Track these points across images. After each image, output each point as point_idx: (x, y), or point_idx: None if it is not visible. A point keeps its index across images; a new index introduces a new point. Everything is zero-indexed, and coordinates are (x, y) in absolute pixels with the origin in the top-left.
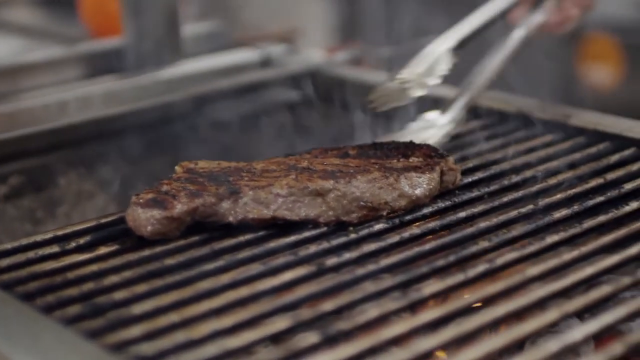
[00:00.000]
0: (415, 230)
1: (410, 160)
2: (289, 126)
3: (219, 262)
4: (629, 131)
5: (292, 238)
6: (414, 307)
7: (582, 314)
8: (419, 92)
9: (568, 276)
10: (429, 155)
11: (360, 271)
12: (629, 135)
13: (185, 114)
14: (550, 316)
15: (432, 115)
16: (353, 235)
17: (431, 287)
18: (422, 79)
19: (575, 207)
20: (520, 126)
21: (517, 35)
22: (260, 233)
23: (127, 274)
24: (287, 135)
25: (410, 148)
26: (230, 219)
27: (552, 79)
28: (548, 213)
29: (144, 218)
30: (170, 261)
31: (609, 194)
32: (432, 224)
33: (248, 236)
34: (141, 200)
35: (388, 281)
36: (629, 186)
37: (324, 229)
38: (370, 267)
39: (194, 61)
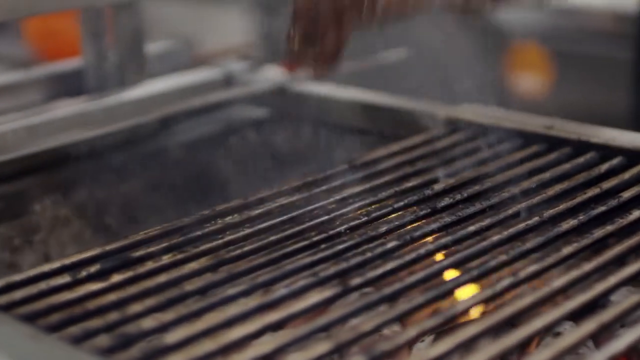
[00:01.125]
0: (430, 246)
1: None
2: (258, 144)
3: (241, 287)
4: (613, 140)
5: (308, 259)
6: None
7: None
8: None
9: (594, 287)
10: None
11: (387, 290)
12: (614, 145)
13: (154, 135)
14: (587, 328)
15: None
16: (369, 254)
17: (464, 304)
18: None
19: (582, 217)
20: (502, 138)
21: None
22: (273, 255)
23: (150, 302)
24: (257, 153)
25: None
26: None
27: (481, 88)
28: (556, 224)
29: None
30: (189, 287)
31: (609, 203)
32: (444, 240)
33: (261, 259)
34: None
35: (419, 299)
36: (627, 194)
37: (339, 247)
38: (397, 284)
39: (158, 81)
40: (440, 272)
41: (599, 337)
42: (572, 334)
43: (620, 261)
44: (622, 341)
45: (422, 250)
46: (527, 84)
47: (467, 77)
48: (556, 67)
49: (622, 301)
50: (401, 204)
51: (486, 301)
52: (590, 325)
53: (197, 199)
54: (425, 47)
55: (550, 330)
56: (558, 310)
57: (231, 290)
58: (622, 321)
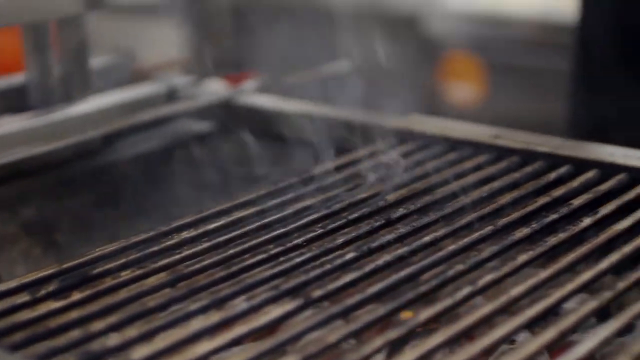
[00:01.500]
0: (387, 257)
1: None
2: (204, 158)
3: (203, 302)
4: (560, 149)
5: (268, 272)
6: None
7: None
8: None
9: (552, 294)
10: None
11: (350, 301)
12: (561, 153)
13: (101, 150)
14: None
15: None
16: (328, 266)
17: (426, 312)
18: None
19: (534, 226)
20: (448, 149)
21: None
22: (233, 269)
23: (112, 319)
24: (203, 167)
25: None
26: None
27: (414, 97)
28: (510, 233)
29: None
30: (151, 303)
31: (561, 211)
32: (401, 251)
33: (221, 274)
34: None
35: (380, 310)
36: (577, 202)
37: (297, 260)
38: (358, 295)
39: (103, 96)
40: (399, 283)
41: (554, 347)
42: (529, 343)
43: (573, 268)
44: (581, 349)
45: (380, 262)
46: (459, 94)
47: (400, 88)
48: (490, 77)
49: (578, 309)
50: (355, 215)
51: (446, 312)
52: (548, 334)
53: (145, 214)
54: (361, 58)
55: (507, 340)
56: (515, 320)
57: (193, 306)
58: (576, 329)
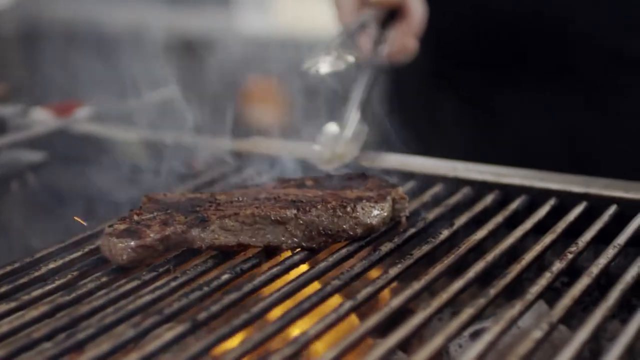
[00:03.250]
0: (262, 277)
1: (363, 190)
2: (40, 187)
3: (88, 331)
4: (404, 165)
5: (148, 297)
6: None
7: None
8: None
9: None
10: (380, 185)
11: (236, 322)
12: (408, 170)
13: None
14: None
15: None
16: (206, 289)
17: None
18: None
19: (396, 240)
20: (290, 167)
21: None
22: (111, 295)
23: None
24: (41, 197)
25: (362, 178)
26: (200, 244)
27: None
28: (376, 248)
29: (120, 247)
30: (36, 335)
31: (417, 225)
32: (275, 269)
33: (101, 301)
34: (115, 231)
35: (269, 328)
36: (430, 216)
37: (172, 285)
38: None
39: None
40: (272, 305)
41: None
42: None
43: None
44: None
45: (256, 282)
46: (260, 115)
47: (211, 111)
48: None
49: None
50: None
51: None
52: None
53: None
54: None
55: None
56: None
57: (80, 335)
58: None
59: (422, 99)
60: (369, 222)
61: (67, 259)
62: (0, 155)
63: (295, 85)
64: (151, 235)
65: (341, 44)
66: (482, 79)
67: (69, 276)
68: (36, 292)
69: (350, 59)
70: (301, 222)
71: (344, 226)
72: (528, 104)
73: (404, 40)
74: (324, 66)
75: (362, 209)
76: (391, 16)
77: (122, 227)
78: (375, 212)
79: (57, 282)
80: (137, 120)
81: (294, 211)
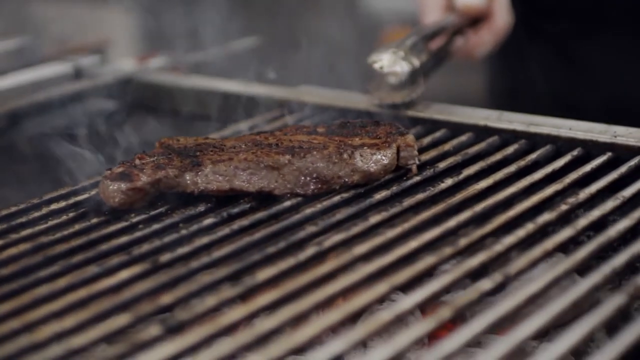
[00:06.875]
0: (244, 221)
1: (372, 137)
2: (107, 135)
3: (54, 268)
4: (439, 114)
5: (124, 239)
6: (250, 293)
7: (409, 286)
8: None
9: (393, 252)
10: (390, 132)
11: (195, 264)
12: (440, 119)
13: (2, 129)
14: (379, 290)
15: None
16: (184, 232)
17: (265, 272)
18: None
19: (394, 188)
20: (336, 116)
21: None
22: (92, 236)
23: None
24: (105, 145)
25: (375, 125)
26: (192, 189)
27: (355, 71)
28: (369, 196)
29: (112, 190)
30: (4, 272)
31: (424, 174)
32: (260, 215)
33: (80, 241)
34: (112, 174)
35: (222, 271)
36: (442, 165)
37: (155, 227)
38: (204, 259)
39: (5, 77)
40: (250, 246)
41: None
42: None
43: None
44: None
45: (235, 226)
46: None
47: (344, 62)
48: None
49: (451, 270)
50: None
51: (290, 271)
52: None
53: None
54: (307, 33)
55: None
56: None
57: (43, 273)
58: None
59: (512, 49)
60: (366, 168)
61: (72, 201)
62: (71, 103)
63: None
64: (142, 178)
65: (413, 45)
66: (569, 30)
67: (63, 217)
68: (25, 232)
69: (416, 62)
70: (294, 167)
71: (340, 173)
72: (616, 55)
73: (483, 37)
74: (388, 64)
75: (361, 155)
76: (474, 22)
77: (119, 170)
78: (374, 159)
79: (49, 223)
80: (213, 69)
81: (288, 157)
